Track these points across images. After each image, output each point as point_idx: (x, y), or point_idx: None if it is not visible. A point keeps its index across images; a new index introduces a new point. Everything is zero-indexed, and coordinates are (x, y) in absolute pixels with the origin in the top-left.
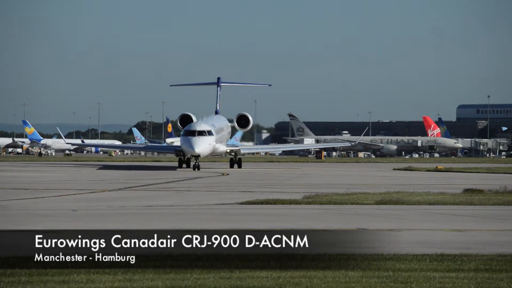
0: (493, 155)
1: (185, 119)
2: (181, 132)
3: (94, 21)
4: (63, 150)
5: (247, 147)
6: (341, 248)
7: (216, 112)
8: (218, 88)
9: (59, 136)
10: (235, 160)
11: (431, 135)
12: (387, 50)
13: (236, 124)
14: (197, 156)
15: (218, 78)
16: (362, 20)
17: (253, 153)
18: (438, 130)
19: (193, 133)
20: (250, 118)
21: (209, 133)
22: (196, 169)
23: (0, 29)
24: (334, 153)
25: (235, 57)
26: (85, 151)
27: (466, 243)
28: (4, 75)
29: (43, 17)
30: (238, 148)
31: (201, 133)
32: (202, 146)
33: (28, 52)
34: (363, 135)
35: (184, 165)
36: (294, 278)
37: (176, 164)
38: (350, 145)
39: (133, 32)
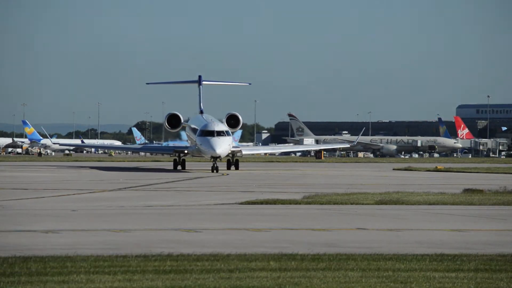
0: (493, 155)
1: (173, 119)
2: (197, 133)
3: (94, 21)
4: (62, 150)
5: (249, 148)
6: (341, 248)
7: (201, 112)
8: (200, 86)
9: (59, 136)
10: (232, 161)
11: (460, 136)
12: (387, 50)
13: (225, 124)
14: (216, 158)
15: (199, 76)
16: (362, 20)
17: (252, 154)
18: (466, 130)
19: (212, 133)
20: (240, 118)
21: (227, 133)
22: (215, 171)
23: (0, 29)
24: (325, 152)
25: (235, 57)
26: (84, 151)
27: (466, 243)
28: (4, 75)
29: (43, 17)
30: (239, 149)
31: (220, 133)
32: (223, 146)
33: (28, 52)
34: (361, 135)
35: (179, 167)
36: (294, 278)
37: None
38: (349, 145)
39: (133, 32)
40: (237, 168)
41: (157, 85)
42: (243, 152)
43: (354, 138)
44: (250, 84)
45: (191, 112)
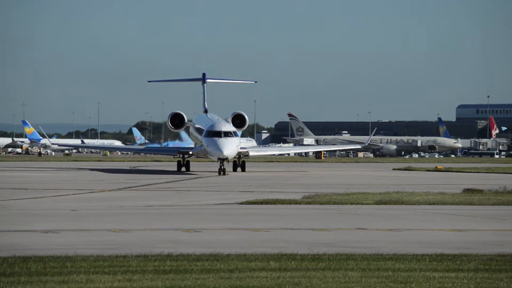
0: (496, 155)
1: (176, 118)
2: (203, 133)
3: (94, 21)
4: (62, 150)
5: (256, 149)
6: (341, 248)
7: (206, 111)
8: (204, 84)
9: (59, 136)
10: (239, 163)
11: (494, 135)
12: (387, 50)
13: (231, 124)
14: (223, 159)
15: (204, 74)
16: (362, 20)
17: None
18: (497, 130)
19: (219, 134)
20: (246, 118)
21: (235, 134)
22: (222, 173)
23: (0, 29)
24: (325, 153)
25: (235, 57)
26: (84, 151)
27: (466, 243)
28: (4, 75)
29: (43, 17)
30: (247, 150)
31: (227, 134)
32: (231, 148)
33: (28, 52)
34: (361, 135)
35: (183, 169)
36: (294, 278)
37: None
38: (360, 146)
39: (133, 32)
40: (243, 170)
41: (157, 85)
42: (250, 154)
43: (353, 138)
44: (256, 82)
45: (193, 112)
